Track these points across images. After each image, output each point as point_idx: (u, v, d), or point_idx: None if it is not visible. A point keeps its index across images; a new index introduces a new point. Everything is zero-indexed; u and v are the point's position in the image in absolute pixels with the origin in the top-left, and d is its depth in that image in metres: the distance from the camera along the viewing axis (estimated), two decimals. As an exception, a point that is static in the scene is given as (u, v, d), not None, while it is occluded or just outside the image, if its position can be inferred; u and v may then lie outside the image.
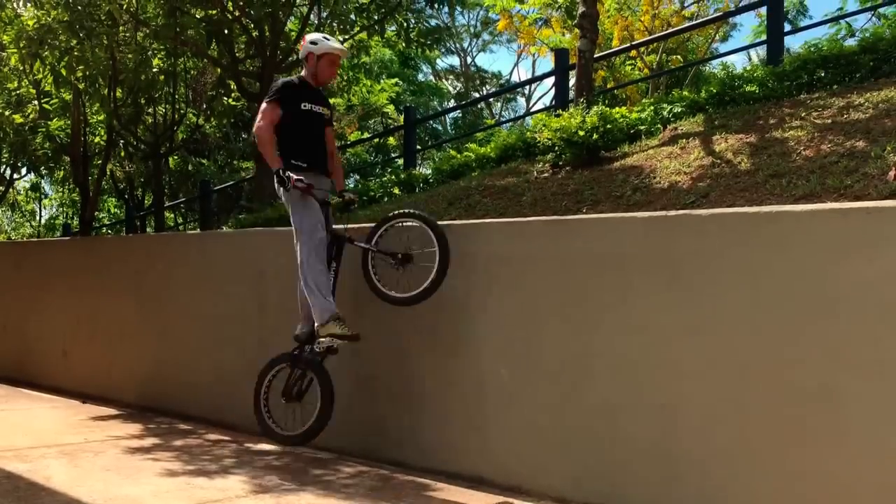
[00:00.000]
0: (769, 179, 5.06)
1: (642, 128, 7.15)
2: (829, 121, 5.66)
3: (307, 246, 4.80)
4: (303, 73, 5.23)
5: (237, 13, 9.10)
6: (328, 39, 5.16)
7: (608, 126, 6.80)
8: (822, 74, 6.58)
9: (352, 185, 15.98)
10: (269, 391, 5.24)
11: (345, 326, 4.73)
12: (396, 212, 4.94)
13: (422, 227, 4.73)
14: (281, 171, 4.79)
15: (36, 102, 11.89)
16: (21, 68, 10.70)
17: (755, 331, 3.68)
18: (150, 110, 10.80)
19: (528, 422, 4.44)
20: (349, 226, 5.23)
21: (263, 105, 5.02)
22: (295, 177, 4.75)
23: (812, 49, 6.85)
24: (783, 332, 3.60)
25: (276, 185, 4.93)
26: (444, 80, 29.07)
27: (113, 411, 6.95)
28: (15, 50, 8.89)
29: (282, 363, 5.23)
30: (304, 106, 5.01)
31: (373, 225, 5.03)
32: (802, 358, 3.54)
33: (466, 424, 4.71)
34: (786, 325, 3.60)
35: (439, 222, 4.80)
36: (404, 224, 4.84)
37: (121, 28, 9.33)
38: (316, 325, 4.84)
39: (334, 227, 5.13)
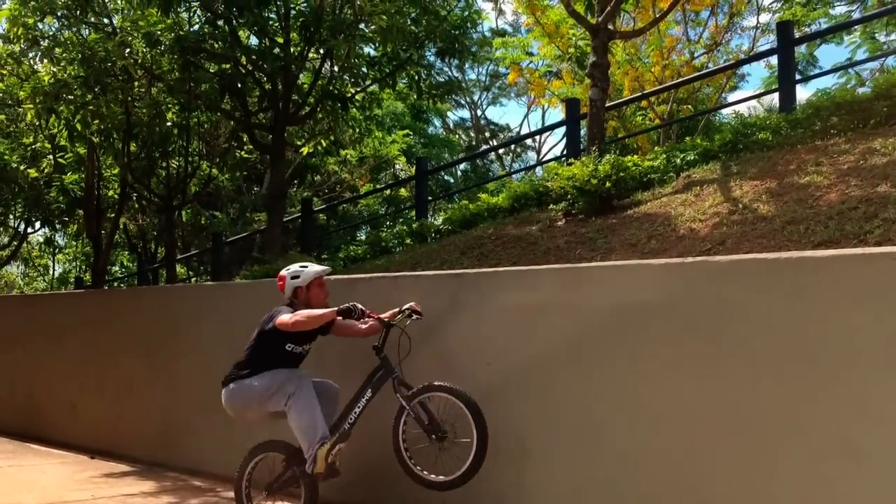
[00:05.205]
0: (786, 226, 4.99)
1: (655, 176, 7.11)
2: (846, 166, 5.60)
3: None
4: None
5: (250, 67, 9.20)
6: (305, 267, 4.83)
7: (621, 174, 6.77)
8: (836, 121, 6.55)
9: (362, 237, 16.03)
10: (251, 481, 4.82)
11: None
12: (427, 384, 4.44)
13: (454, 401, 4.30)
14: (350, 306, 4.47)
15: (51, 157, 12.02)
16: (37, 123, 10.83)
17: (776, 382, 3.57)
18: (164, 164, 10.87)
19: (544, 474, 4.32)
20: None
21: (284, 317, 4.49)
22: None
23: (825, 96, 6.82)
24: (805, 382, 3.50)
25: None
26: (454, 134, 29.28)
27: (123, 467, 6.85)
28: (31, 105, 9.00)
29: (270, 451, 4.80)
30: (288, 346, 4.70)
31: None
32: (825, 410, 3.44)
33: (478, 477, 4.57)
34: (808, 375, 3.49)
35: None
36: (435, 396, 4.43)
37: (136, 83, 9.46)
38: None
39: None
